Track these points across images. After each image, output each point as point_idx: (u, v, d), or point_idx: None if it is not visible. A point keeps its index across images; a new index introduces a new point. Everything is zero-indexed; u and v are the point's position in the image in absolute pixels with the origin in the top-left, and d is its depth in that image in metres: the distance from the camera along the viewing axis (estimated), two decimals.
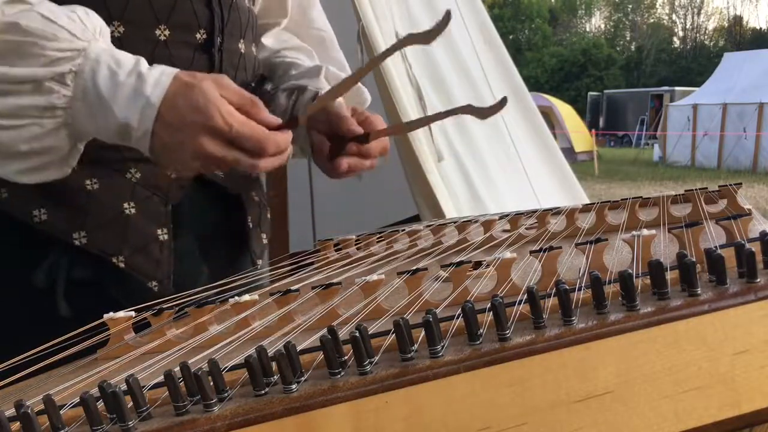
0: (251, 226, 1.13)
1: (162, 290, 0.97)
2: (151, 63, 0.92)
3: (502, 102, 0.91)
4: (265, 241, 1.17)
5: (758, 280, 0.51)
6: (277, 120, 0.85)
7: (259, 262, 1.15)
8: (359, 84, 1.21)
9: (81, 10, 0.84)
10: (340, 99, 1.05)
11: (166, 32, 0.94)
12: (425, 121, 1.06)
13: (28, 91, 0.79)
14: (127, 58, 0.82)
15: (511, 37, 43.90)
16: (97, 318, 0.75)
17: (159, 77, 0.81)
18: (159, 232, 0.97)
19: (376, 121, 1.06)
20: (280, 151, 0.85)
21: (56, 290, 0.93)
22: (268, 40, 1.22)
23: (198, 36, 0.98)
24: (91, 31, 0.83)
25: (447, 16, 0.88)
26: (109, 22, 0.90)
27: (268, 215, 1.21)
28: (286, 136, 0.85)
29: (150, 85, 0.80)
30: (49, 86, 0.80)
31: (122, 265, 0.95)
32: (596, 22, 53.84)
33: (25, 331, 0.83)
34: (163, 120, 0.80)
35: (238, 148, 0.82)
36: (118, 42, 0.91)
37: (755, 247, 0.53)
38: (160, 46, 0.94)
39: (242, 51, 1.06)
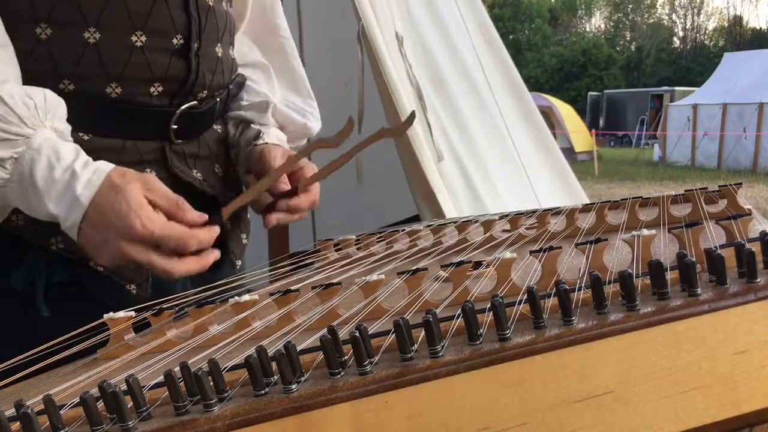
0: (229, 227, 1.12)
1: (140, 293, 0.98)
2: (126, 69, 0.93)
3: (411, 116, 1.00)
4: (245, 242, 1.18)
5: (758, 280, 0.51)
6: (202, 216, 0.89)
7: (238, 262, 1.15)
8: (305, 119, 1.24)
9: (40, 95, 0.86)
10: (276, 149, 1.09)
11: (143, 38, 0.94)
12: (344, 158, 1.06)
13: None
14: (67, 152, 0.85)
15: (511, 37, 43.88)
16: (80, 319, 0.75)
17: (91, 177, 0.84)
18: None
19: (307, 172, 1.08)
20: (206, 246, 0.88)
21: (36, 291, 0.93)
22: None
23: (175, 41, 0.97)
24: (41, 119, 0.85)
25: (350, 122, 0.96)
26: (84, 29, 0.90)
27: (248, 215, 1.21)
28: (209, 232, 0.89)
29: (81, 185, 0.83)
30: None
31: (100, 268, 0.95)
32: (596, 22, 53.85)
33: (7, 333, 0.84)
34: (89, 220, 0.83)
35: (157, 249, 0.85)
36: (94, 48, 0.91)
37: (755, 247, 0.53)
38: (136, 51, 0.94)
39: (219, 55, 1.06)
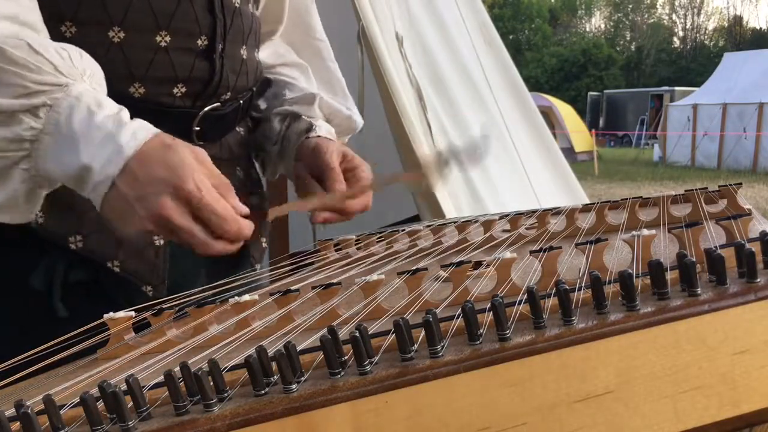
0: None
1: (157, 294, 0.97)
2: (150, 69, 0.92)
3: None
4: (264, 246, 1.17)
5: (758, 280, 0.51)
6: (244, 209, 0.82)
7: (258, 266, 1.15)
8: (350, 112, 1.23)
9: (75, 51, 0.82)
10: (331, 144, 1.07)
11: (167, 38, 0.93)
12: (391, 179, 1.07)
13: None
14: (110, 103, 0.80)
15: (511, 37, 43.89)
16: (95, 319, 0.75)
17: (138, 130, 0.78)
18: (155, 237, 0.97)
19: (361, 173, 1.06)
20: (240, 238, 0.81)
21: (53, 292, 0.93)
22: (264, 52, 1.21)
23: (199, 42, 0.97)
24: (80, 71, 0.81)
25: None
26: (109, 27, 0.90)
27: (268, 220, 1.20)
28: (249, 225, 0.82)
29: (126, 135, 0.77)
30: (19, 118, 0.77)
31: (117, 269, 0.95)
32: (596, 22, 53.85)
33: (24, 332, 0.83)
34: (130, 172, 0.76)
35: (198, 221, 0.78)
36: (119, 48, 0.91)
37: (755, 247, 0.53)
38: (161, 52, 0.93)
39: (244, 57, 1.06)
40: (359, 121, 1.26)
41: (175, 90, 0.96)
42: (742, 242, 0.54)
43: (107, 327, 0.75)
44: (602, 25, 53.43)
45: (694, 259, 0.52)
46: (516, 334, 0.50)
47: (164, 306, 0.77)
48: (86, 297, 0.94)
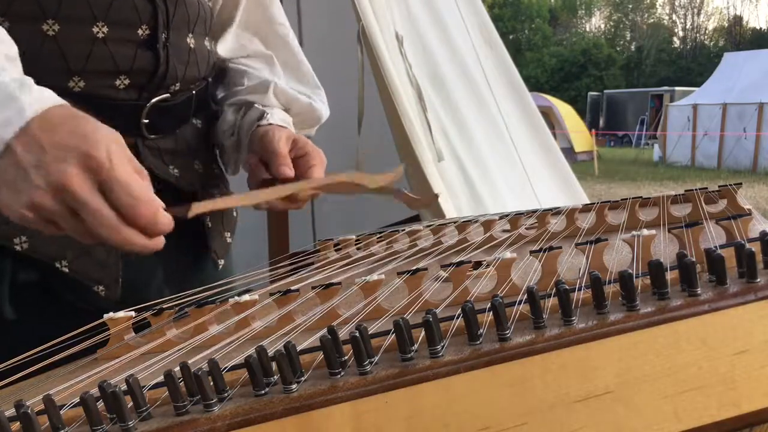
0: (210, 225, 1.09)
1: (110, 294, 0.95)
2: (89, 62, 0.89)
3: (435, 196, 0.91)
4: (229, 240, 1.14)
5: (758, 280, 0.51)
6: (160, 202, 0.72)
7: (221, 262, 1.12)
8: (311, 101, 1.18)
9: None
10: (280, 131, 1.02)
11: (105, 29, 0.90)
12: (350, 188, 1.00)
13: None
14: (17, 68, 0.75)
15: (511, 37, 43.88)
16: (49, 319, 0.73)
17: (48, 96, 0.72)
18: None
19: (312, 159, 1.02)
20: (155, 228, 0.70)
21: (0, 293, 0.90)
22: (226, 42, 1.17)
23: (140, 32, 0.94)
24: None
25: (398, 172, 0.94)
26: (43, 21, 0.87)
27: (234, 213, 1.17)
28: (168, 217, 0.71)
29: (32, 97, 0.70)
30: None
31: (66, 269, 0.92)
32: (596, 22, 53.84)
33: None
34: (30, 135, 0.67)
35: (103, 200, 0.68)
36: (53, 41, 0.88)
37: (755, 247, 0.53)
38: (98, 43, 0.90)
39: (192, 46, 1.02)
40: (323, 111, 1.21)
41: (118, 82, 0.93)
42: (742, 242, 0.54)
43: (107, 327, 0.75)
44: (602, 25, 53.43)
45: (694, 259, 0.52)
46: (516, 334, 0.50)
47: (164, 306, 0.77)
48: (37, 298, 0.92)
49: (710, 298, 0.50)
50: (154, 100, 0.97)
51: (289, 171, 0.98)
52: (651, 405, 0.47)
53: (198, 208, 0.81)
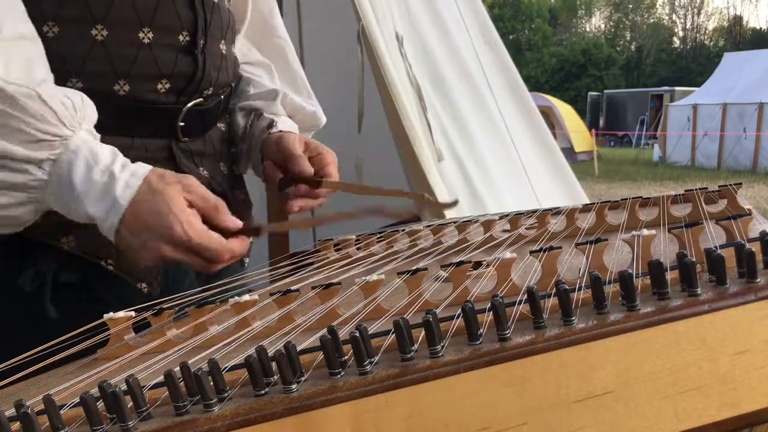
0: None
1: (151, 291, 0.98)
2: (134, 66, 0.93)
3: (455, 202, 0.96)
4: (250, 239, 1.18)
5: (758, 280, 0.51)
6: (237, 223, 0.88)
7: (246, 260, 1.16)
8: (314, 108, 1.26)
9: (78, 97, 0.85)
10: (293, 135, 1.10)
11: (150, 35, 0.94)
12: (375, 191, 1.05)
13: (3, 165, 0.81)
14: (104, 154, 0.85)
15: (511, 37, 43.88)
16: (87, 320, 0.74)
17: (129, 179, 0.84)
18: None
19: (326, 158, 1.09)
20: (235, 259, 0.89)
21: (43, 293, 0.93)
22: None
23: (181, 38, 0.98)
24: (79, 119, 0.85)
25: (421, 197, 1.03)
26: (92, 26, 0.90)
27: (253, 216, 1.21)
28: (242, 244, 0.88)
29: (120, 186, 0.83)
30: (25, 167, 0.82)
31: (111, 267, 0.95)
32: (596, 22, 53.84)
33: (15, 334, 0.84)
34: (127, 223, 0.83)
35: (195, 254, 0.85)
36: (102, 46, 0.91)
37: (755, 247, 0.53)
38: (144, 48, 0.94)
39: (223, 52, 1.07)
40: (323, 118, 1.29)
41: (159, 86, 0.97)
42: (742, 242, 0.54)
43: (107, 327, 0.75)
44: (602, 25, 53.43)
45: (694, 259, 0.52)
46: (516, 334, 0.50)
47: (164, 306, 0.77)
48: (77, 299, 0.94)
49: (710, 298, 0.50)
50: (190, 104, 1.02)
51: (308, 168, 1.06)
52: (651, 405, 0.47)
53: (269, 228, 0.95)
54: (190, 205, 0.85)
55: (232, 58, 1.12)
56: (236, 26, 1.22)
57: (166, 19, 0.96)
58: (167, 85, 0.97)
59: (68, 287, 0.94)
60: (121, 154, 0.87)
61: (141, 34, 0.94)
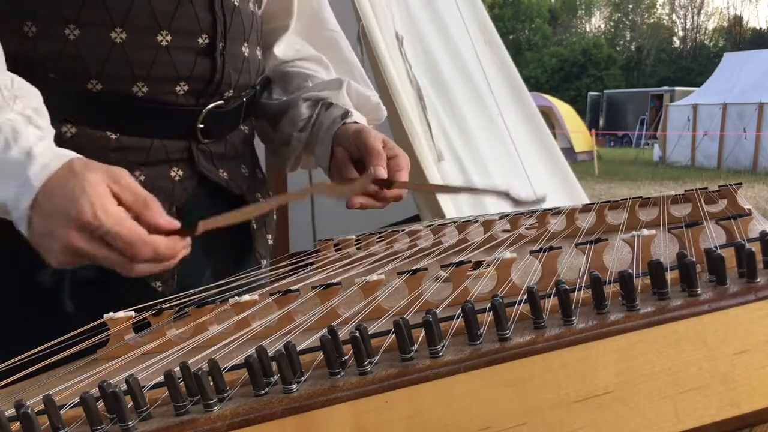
0: (255, 226, 1.13)
1: (166, 290, 0.98)
2: (153, 68, 0.93)
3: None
4: (270, 242, 1.17)
5: (758, 280, 0.51)
6: (170, 224, 0.77)
7: (263, 262, 1.15)
8: (378, 101, 1.21)
9: (7, 79, 0.82)
10: (374, 131, 1.04)
11: (168, 38, 0.95)
12: (455, 189, 1.03)
13: None
14: (29, 134, 0.78)
15: (511, 37, 43.87)
16: (100, 315, 0.75)
17: (49, 162, 0.76)
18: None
19: (402, 162, 1.04)
20: (160, 257, 0.76)
21: (62, 289, 0.93)
22: (279, 48, 1.22)
23: (200, 41, 0.98)
24: (7, 100, 0.80)
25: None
26: (111, 29, 0.91)
27: (274, 216, 1.21)
28: (170, 243, 0.76)
29: (36, 167, 0.75)
30: None
31: None
32: (596, 22, 53.85)
33: (32, 330, 0.83)
34: (38, 207, 0.74)
35: (109, 246, 0.74)
36: (121, 48, 0.92)
37: (755, 247, 0.53)
38: (162, 51, 0.94)
39: (246, 55, 1.07)
40: (384, 111, 1.24)
41: (178, 88, 0.97)
42: (742, 242, 0.54)
43: (107, 327, 0.75)
44: (602, 25, 53.43)
45: (694, 259, 0.52)
46: (516, 334, 0.50)
47: (164, 306, 0.77)
48: (94, 296, 0.93)
49: (710, 298, 0.50)
50: (209, 106, 1.01)
51: (384, 172, 1.00)
52: (651, 405, 0.47)
53: (207, 224, 0.81)
54: (117, 198, 0.75)
55: (257, 60, 1.11)
56: (285, 21, 1.21)
57: (184, 23, 0.96)
58: (186, 87, 0.98)
59: (85, 285, 0.94)
60: (52, 141, 0.79)
61: (159, 37, 0.94)
